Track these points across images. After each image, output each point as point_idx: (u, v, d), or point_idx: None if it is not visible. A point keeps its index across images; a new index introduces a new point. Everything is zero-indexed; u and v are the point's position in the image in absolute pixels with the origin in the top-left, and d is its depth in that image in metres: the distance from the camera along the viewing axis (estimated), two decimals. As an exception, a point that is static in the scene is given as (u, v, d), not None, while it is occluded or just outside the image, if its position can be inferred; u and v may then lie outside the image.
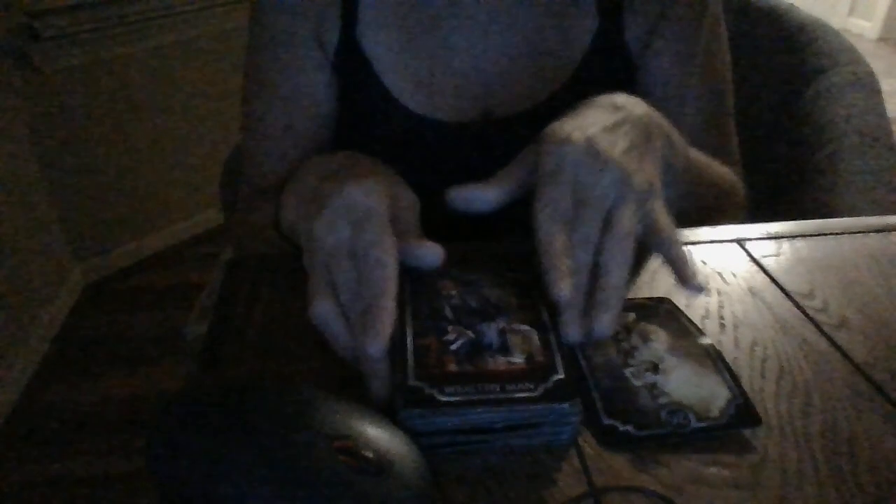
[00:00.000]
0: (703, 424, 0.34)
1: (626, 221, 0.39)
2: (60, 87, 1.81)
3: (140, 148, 2.04)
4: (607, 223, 0.39)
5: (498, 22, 0.58)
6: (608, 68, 0.59)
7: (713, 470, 0.33)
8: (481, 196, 0.42)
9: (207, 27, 2.04)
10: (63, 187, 1.90)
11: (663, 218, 0.41)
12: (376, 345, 0.34)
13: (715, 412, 0.35)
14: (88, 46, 1.82)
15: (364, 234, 0.38)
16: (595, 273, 0.38)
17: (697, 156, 0.55)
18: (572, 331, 0.37)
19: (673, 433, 0.34)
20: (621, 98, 0.46)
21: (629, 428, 0.34)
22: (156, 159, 2.09)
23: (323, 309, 0.37)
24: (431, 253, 0.41)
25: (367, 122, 0.61)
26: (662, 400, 0.36)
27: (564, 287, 0.36)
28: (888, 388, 0.38)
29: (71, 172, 1.91)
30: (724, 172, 0.61)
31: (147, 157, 2.06)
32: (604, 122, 0.43)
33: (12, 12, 1.67)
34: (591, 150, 0.40)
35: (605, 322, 0.37)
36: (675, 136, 0.49)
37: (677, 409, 0.35)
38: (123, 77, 1.93)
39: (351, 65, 0.59)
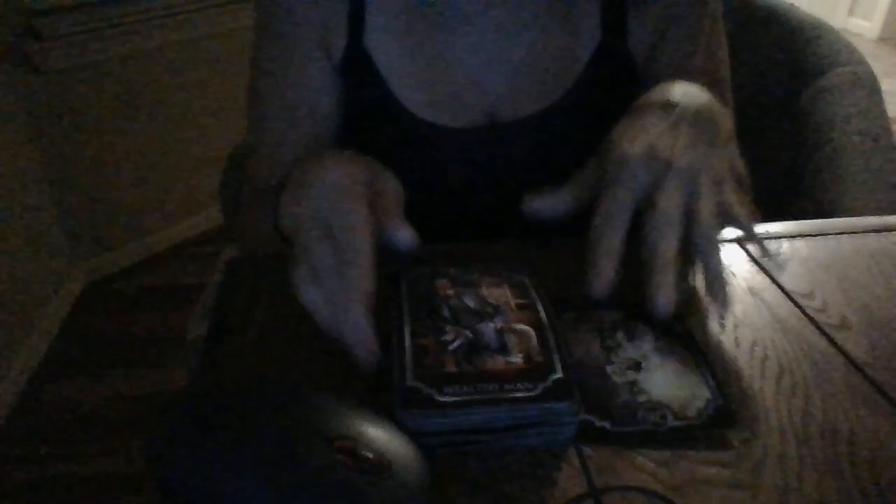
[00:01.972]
0: (679, 423, 0.35)
1: (706, 211, 0.40)
2: (60, 87, 1.81)
3: (140, 148, 2.04)
4: (690, 218, 0.41)
5: (503, 29, 0.58)
6: (612, 74, 0.59)
7: (713, 470, 0.33)
8: (551, 205, 0.45)
9: (207, 27, 2.04)
10: (63, 187, 1.90)
11: (734, 202, 0.42)
12: (353, 316, 0.35)
13: (692, 412, 0.35)
14: (88, 46, 1.82)
15: (339, 209, 0.38)
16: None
17: None
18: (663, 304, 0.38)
19: (649, 431, 0.34)
20: (676, 92, 0.47)
21: (606, 424, 0.35)
22: (156, 159, 2.09)
23: (308, 297, 0.37)
24: (405, 236, 0.41)
25: (372, 126, 0.61)
26: (641, 398, 0.36)
27: (599, 287, 0.39)
28: (888, 388, 0.38)
29: (71, 172, 1.91)
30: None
31: (147, 158, 2.06)
32: (660, 125, 0.44)
33: (12, 12, 1.67)
34: (652, 156, 0.42)
35: (723, 301, 0.39)
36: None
37: (655, 407, 0.35)
38: (123, 77, 1.93)
39: (357, 70, 0.59)
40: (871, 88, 0.75)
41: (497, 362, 0.35)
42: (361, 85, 0.59)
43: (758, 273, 0.48)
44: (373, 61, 0.58)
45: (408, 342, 0.36)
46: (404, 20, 0.58)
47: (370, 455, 0.30)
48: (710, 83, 0.63)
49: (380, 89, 0.58)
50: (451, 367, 0.34)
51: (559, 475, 0.32)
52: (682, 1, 0.59)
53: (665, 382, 0.37)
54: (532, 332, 0.37)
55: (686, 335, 0.40)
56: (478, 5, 0.58)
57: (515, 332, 0.37)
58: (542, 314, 0.39)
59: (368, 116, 0.61)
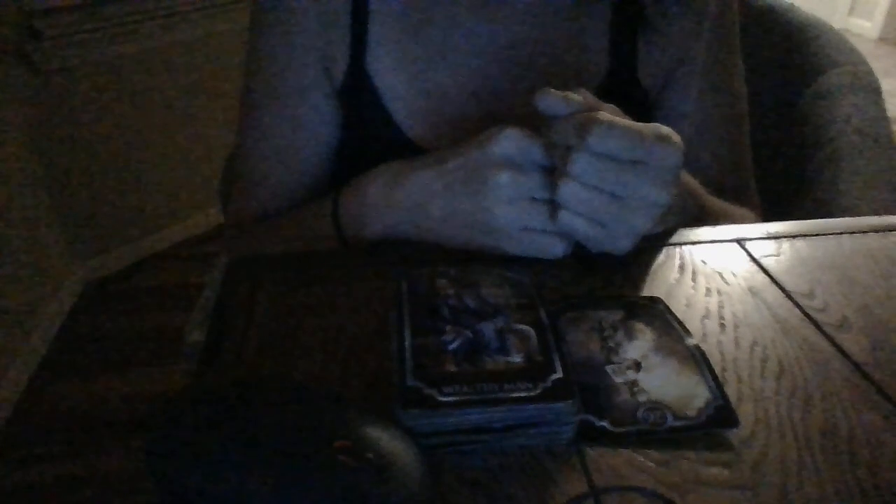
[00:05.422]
0: (679, 423, 0.35)
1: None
2: (60, 87, 1.81)
3: (140, 148, 2.04)
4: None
5: (509, 57, 0.57)
6: (622, 104, 0.58)
7: (713, 470, 0.33)
8: (558, 104, 0.44)
9: (207, 27, 2.04)
10: (63, 187, 1.90)
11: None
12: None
13: (693, 412, 0.35)
14: (88, 46, 1.82)
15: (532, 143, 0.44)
16: None
17: (709, 200, 0.56)
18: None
19: (649, 430, 0.34)
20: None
21: (605, 423, 0.35)
22: (156, 159, 2.09)
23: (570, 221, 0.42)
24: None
25: (370, 152, 0.59)
26: (641, 398, 0.36)
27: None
28: (888, 388, 0.38)
29: (71, 172, 1.91)
30: (739, 215, 0.61)
31: (147, 157, 2.06)
32: None
33: (12, 12, 1.67)
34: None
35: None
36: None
37: (655, 407, 0.35)
38: (123, 77, 1.93)
39: (358, 93, 0.57)
40: (871, 88, 0.75)
41: (497, 362, 0.35)
42: (361, 109, 0.58)
43: (758, 273, 0.48)
44: (374, 86, 0.57)
45: (408, 342, 0.36)
46: (406, 43, 0.56)
47: (370, 455, 0.30)
48: (727, 120, 0.62)
49: (380, 115, 0.57)
50: (451, 367, 0.34)
51: (559, 475, 0.32)
52: (697, 35, 0.58)
53: (665, 382, 0.37)
54: (532, 332, 0.37)
55: (685, 334, 0.40)
56: (480, 31, 0.56)
57: (515, 332, 0.37)
58: (542, 314, 0.39)
59: (368, 143, 0.59)
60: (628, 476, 0.32)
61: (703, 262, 0.49)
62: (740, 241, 0.51)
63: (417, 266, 0.43)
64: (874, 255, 0.50)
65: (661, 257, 0.49)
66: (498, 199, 0.44)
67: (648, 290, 0.46)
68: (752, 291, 0.46)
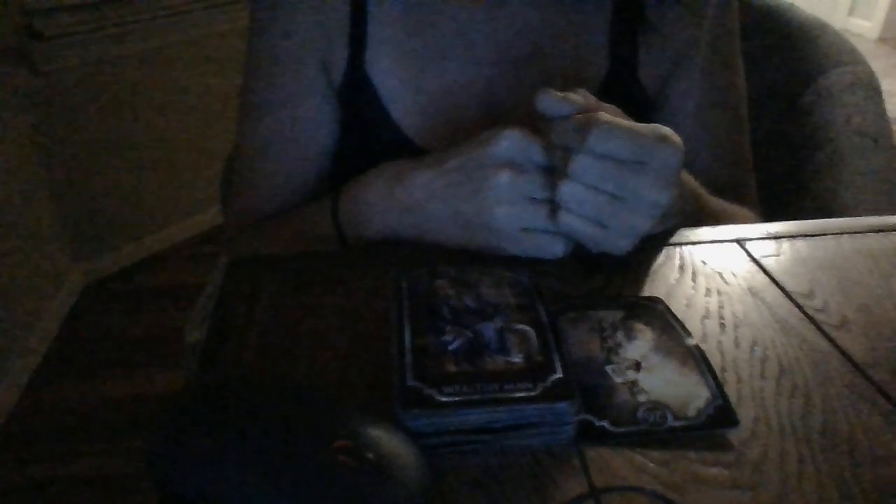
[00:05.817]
0: (679, 423, 0.35)
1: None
2: (60, 87, 1.81)
3: (140, 148, 2.04)
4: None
5: (509, 57, 0.57)
6: (621, 103, 0.58)
7: (713, 470, 0.33)
8: (559, 105, 0.43)
9: (207, 27, 2.04)
10: (63, 187, 1.90)
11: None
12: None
13: (692, 412, 0.35)
14: (88, 46, 1.82)
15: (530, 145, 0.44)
16: None
17: (709, 200, 0.56)
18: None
19: (649, 431, 0.34)
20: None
21: (605, 423, 0.35)
22: (156, 159, 2.09)
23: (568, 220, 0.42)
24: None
25: (370, 152, 0.58)
26: (641, 398, 0.36)
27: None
28: (888, 388, 0.38)
29: (71, 172, 1.91)
30: (740, 214, 0.61)
31: (147, 157, 2.06)
32: None
33: (12, 12, 1.67)
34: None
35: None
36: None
37: (655, 407, 0.35)
38: (123, 77, 1.93)
39: (357, 94, 0.57)
40: (871, 88, 0.75)
41: (497, 362, 0.35)
42: (361, 109, 0.58)
43: (758, 273, 0.48)
44: (374, 87, 0.57)
45: (408, 342, 0.36)
46: (406, 43, 0.56)
47: (370, 455, 0.30)
48: (727, 120, 0.62)
49: (379, 116, 0.57)
50: (451, 367, 0.34)
51: (559, 475, 0.32)
52: (697, 35, 0.58)
53: (665, 382, 0.37)
54: (532, 332, 0.37)
55: (685, 334, 0.40)
56: (479, 31, 0.56)
57: (515, 332, 0.37)
58: (542, 314, 0.39)
59: (368, 143, 0.59)
60: (628, 476, 0.32)
61: (703, 262, 0.49)
62: (740, 241, 0.51)
63: (417, 266, 0.43)
64: (874, 255, 0.50)
65: (661, 257, 0.49)
66: (498, 199, 0.44)
67: (648, 290, 0.46)
68: (752, 291, 0.46)
